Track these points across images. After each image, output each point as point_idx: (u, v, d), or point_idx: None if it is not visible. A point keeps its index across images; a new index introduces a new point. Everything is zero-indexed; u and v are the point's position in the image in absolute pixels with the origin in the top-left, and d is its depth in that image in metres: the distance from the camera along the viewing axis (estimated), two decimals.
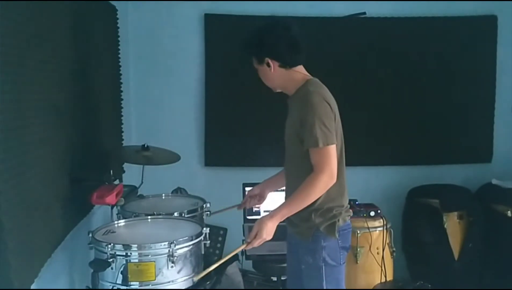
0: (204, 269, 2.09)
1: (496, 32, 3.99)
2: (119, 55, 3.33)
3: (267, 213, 2.18)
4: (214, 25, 3.85)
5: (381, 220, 3.36)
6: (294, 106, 2.23)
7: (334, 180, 2.11)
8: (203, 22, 3.85)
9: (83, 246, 2.12)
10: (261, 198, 2.55)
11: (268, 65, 2.20)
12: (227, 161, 3.93)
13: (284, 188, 2.41)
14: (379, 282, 3.31)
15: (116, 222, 2.29)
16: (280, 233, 2.43)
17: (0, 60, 1.53)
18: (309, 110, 2.10)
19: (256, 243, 2.11)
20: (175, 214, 2.43)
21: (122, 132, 3.33)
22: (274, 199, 2.56)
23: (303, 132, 2.12)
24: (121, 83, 3.34)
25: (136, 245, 1.94)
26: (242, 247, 2.15)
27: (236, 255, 2.79)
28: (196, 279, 2.01)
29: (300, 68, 2.25)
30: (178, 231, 2.13)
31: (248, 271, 3.41)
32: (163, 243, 1.94)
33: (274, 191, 2.60)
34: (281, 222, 2.20)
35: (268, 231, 2.09)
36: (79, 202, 2.28)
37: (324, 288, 2.17)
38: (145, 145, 2.72)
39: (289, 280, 2.45)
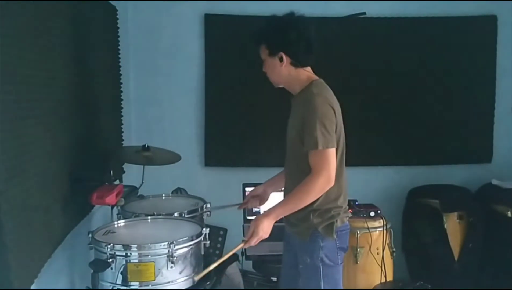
0: (204, 269, 2.09)
1: (496, 32, 3.99)
2: (119, 55, 3.33)
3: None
4: (214, 25, 3.85)
5: (381, 221, 3.36)
6: (298, 107, 2.22)
7: (331, 184, 2.11)
8: (203, 22, 3.85)
9: (83, 246, 2.11)
10: (262, 199, 2.53)
11: (281, 59, 2.17)
12: (227, 161, 3.93)
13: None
14: (379, 282, 3.31)
15: (116, 222, 2.29)
16: (280, 233, 2.43)
17: (0, 60, 1.53)
18: (312, 112, 2.10)
19: (254, 242, 2.10)
20: (175, 214, 2.42)
21: (122, 132, 3.32)
22: (276, 200, 2.55)
23: (304, 134, 2.12)
24: (121, 83, 3.34)
25: (136, 246, 1.94)
26: (240, 245, 2.15)
27: (236, 255, 2.81)
28: (197, 278, 2.01)
29: (308, 69, 2.24)
30: (178, 232, 2.13)
31: (248, 271, 3.41)
32: (162, 244, 1.94)
33: (277, 191, 2.55)
34: (280, 222, 2.20)
35: (265, 229, 2.09)
36: (79, 202, 2.28)
37: (322, 288, 2.17)
38: (145, 145, 2.71)
39: (283, 279, 2.45)
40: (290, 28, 2.17)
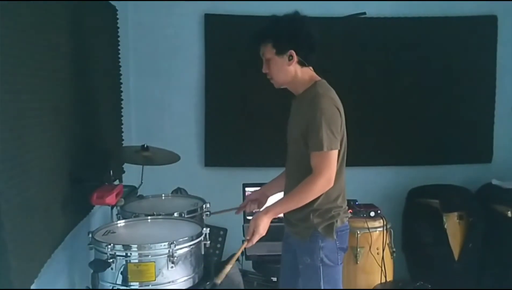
0: (204, 269, 2.10)
1: (496, 32, 3.99)
2: (119, 55, 3.32)
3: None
4: (214, 25, 3.85)
5: (381, 221, 3.35)
6: (301, 107, 2.21)
7: (331, 185, 2.12)
8: (203, 22, 3.85)
9: (83, 246, 2.11)
10: (260, 203, 2.52)
11: (290, 58, 2.17)
12: (227, 161, 3.93)
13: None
14: (379, 282, 3.31)
15: (116, 222, 2.29)
16: (279, 233, 2.43)
17: (0, 60, 1.53)
18: (318, 113, 2.09)
19: (255, 240, 2.12)
20: (175, 214, 2.43)
21: (122, 132, 3.32)
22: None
23: (309, 135, 2.12)
24: (121, 83, 3.34)
25: (136, 246, 1.94)
26: (244, 246, 2.16)
27: None
28: (218, 281, 1.99)
29: (311, 68, 2.25)
30: (178, 232, 2.13)
31: (248, 271, 3.41)
32: (163, 244, 1.94)
33: (276, 194, 2.53)
34: (279, 222, 2.20)
35: (265, 227, 2.11)
36: (79, 202, 2.28)
37: (322, 288, 2.17)
38: (145, 145, 2.71)
39: (282, 280, 2.45)
40: (299, 26, 2.18)
